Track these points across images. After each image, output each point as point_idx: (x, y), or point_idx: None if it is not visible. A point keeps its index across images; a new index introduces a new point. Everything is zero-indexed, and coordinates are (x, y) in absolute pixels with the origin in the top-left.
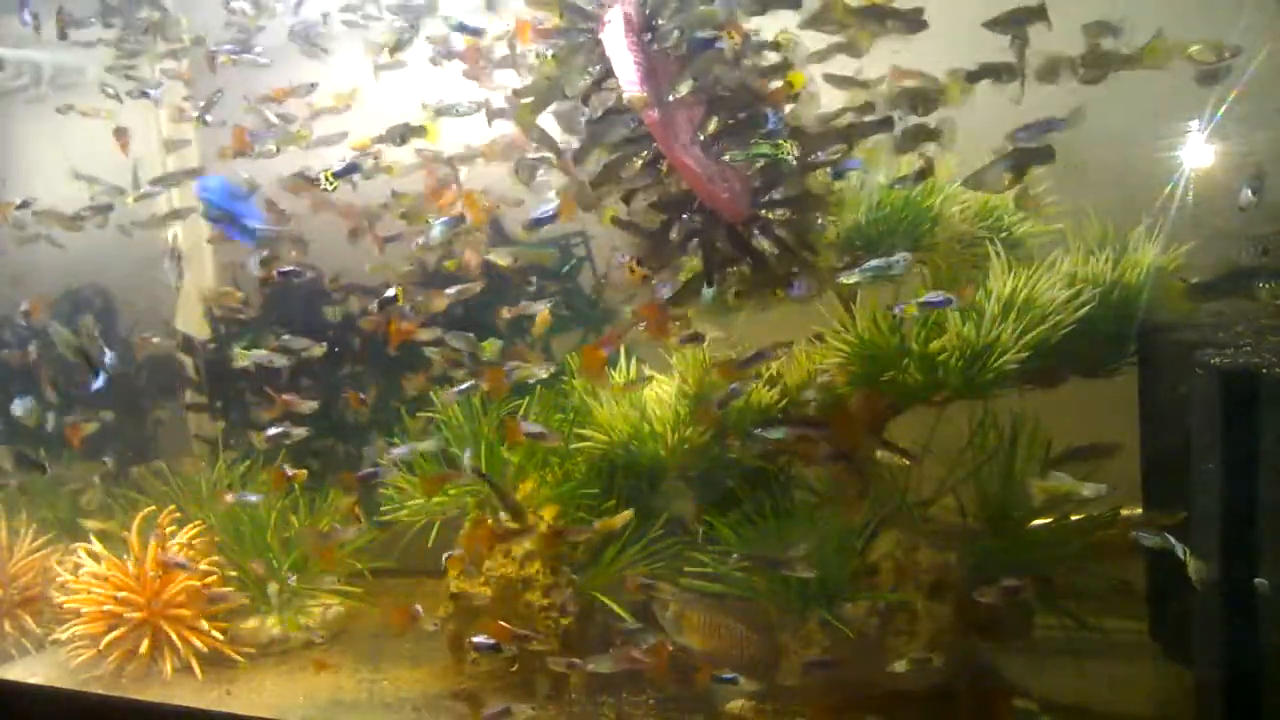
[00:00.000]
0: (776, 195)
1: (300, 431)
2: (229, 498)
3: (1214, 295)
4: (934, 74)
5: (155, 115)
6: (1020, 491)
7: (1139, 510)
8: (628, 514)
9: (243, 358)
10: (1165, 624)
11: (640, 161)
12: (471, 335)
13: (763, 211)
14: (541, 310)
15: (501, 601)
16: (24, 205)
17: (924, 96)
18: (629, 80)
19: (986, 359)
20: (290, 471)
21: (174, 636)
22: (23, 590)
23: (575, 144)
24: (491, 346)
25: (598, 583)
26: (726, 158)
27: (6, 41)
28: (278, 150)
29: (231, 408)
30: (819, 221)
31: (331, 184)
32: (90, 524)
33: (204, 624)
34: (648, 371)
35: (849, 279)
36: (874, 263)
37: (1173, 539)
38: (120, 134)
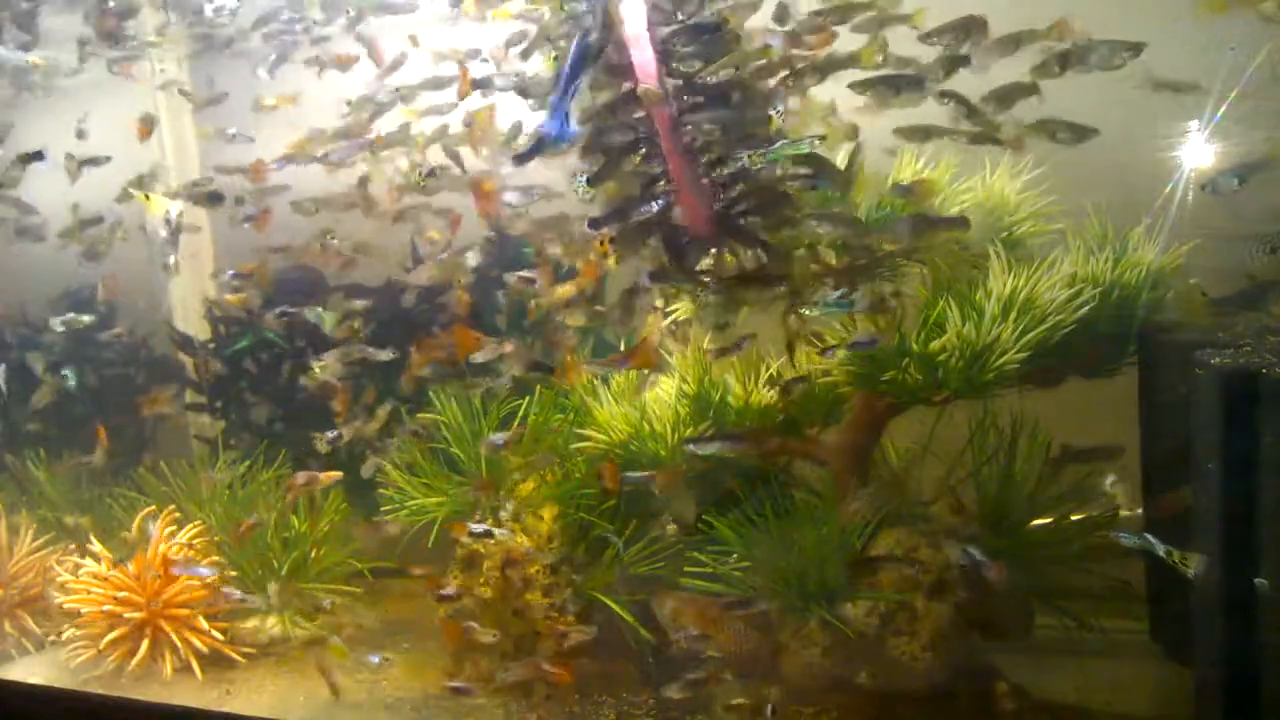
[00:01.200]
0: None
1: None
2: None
3: (1234, 308)
4: None
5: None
6: (1020, 491)
7: (1139, 511)
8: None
9: (325, 371)
10: (1166, 624)
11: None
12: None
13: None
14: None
15: (502, 601)
16: (93, 161)
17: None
18: (647, 74)
19: (986, 359)
20: (304, 479)
21: (174, 636)
22: (23, 590)
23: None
24: (331, 319)
25: (598, 583)
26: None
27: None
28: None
29: (231, 408)
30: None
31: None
32: (69, 519)
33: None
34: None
35: (811, 312)
36: (833, 297)
37: (1153, 539)
38: (146, 122)
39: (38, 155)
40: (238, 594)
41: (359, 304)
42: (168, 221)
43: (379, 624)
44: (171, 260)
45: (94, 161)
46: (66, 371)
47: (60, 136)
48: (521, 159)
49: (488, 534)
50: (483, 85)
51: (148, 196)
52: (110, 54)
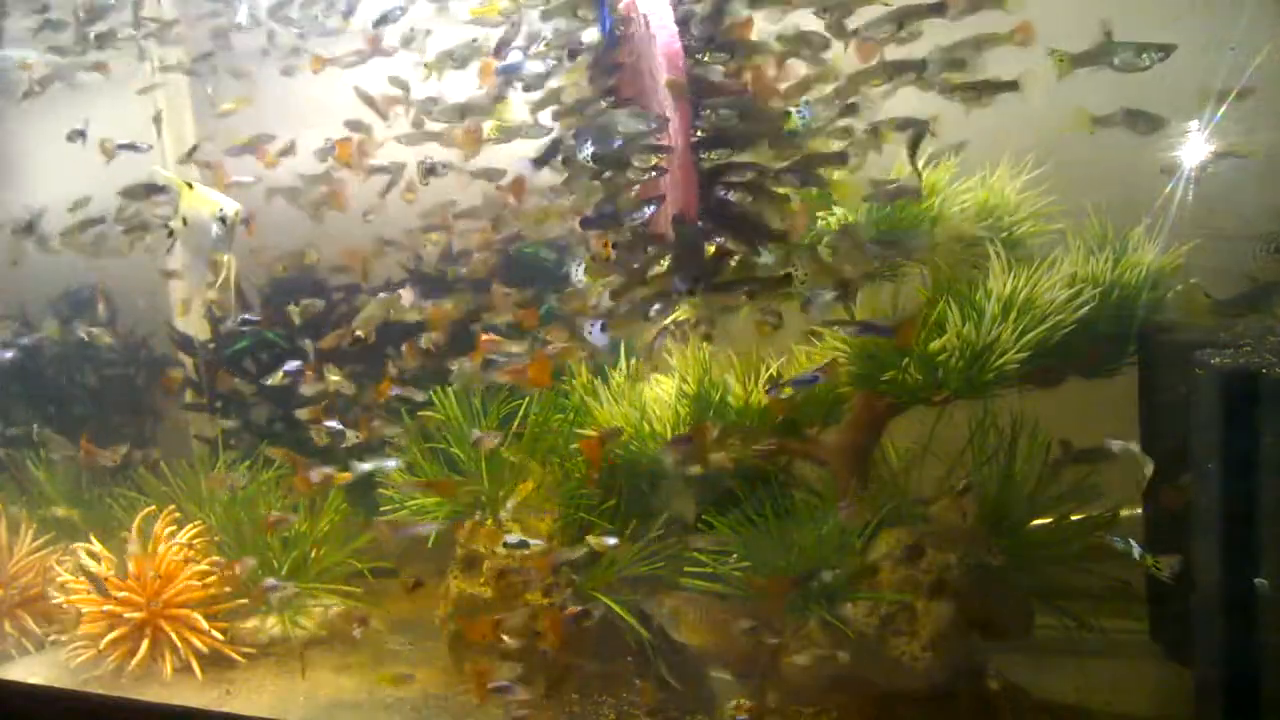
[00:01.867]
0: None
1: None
2: None
3: (1238, 311)
4: None
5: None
6: (1020, 491)
7: (1139, 510)
8: None
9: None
10: (1166, 624)
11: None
12: None
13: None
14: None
15: (501, 600)
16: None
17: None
18: (676, 65)
19: (986, 359)
20: (318, 477)
21: (174, 636)
22: (23, 590)
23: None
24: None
25: (598, 583)
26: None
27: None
28: None
29: (231, 408)
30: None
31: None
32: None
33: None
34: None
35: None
36: (824, 295)
37: (1132, 542)
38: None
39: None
40: (273, 582)
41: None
42: (222, 219)
43: (378, 625)
44: (226, 258)
45: (133, 147)
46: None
47: (59, 138)
48: (539, 162)
49: (523, 544)
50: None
51: (191, 186)
52: (104, 54)
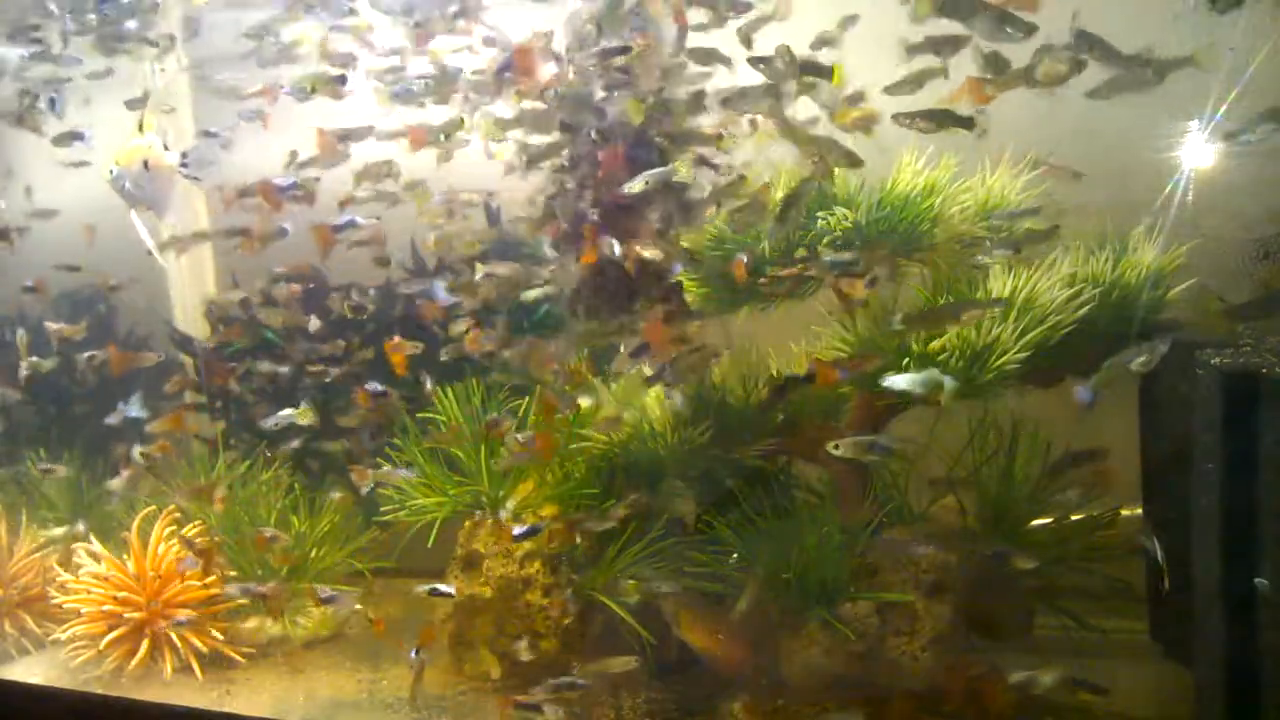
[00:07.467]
0: None
1: None
2: None
3: (1253, 316)
4: None
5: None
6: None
7: (1139, 510)
8: None
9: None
10: (1166, 624)
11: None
12: None
13: None
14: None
15: (501, 601)
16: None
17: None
18: None
19: (986, 359)
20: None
21: (174, 636)
22: (23, 590)
23: None
24: None
25: (598, 583)
26: None
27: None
28: None
29: (231, 408)
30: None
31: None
32: None
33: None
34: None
35: None
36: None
37: None
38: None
39: None
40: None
41: None
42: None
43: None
44: None
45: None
46: None
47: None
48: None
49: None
50: None
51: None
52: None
